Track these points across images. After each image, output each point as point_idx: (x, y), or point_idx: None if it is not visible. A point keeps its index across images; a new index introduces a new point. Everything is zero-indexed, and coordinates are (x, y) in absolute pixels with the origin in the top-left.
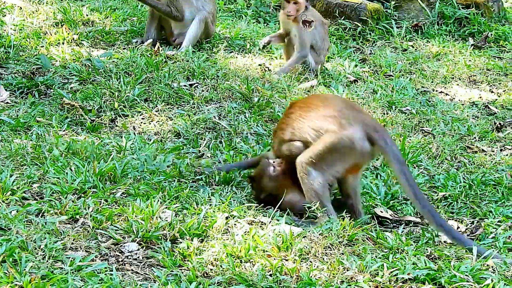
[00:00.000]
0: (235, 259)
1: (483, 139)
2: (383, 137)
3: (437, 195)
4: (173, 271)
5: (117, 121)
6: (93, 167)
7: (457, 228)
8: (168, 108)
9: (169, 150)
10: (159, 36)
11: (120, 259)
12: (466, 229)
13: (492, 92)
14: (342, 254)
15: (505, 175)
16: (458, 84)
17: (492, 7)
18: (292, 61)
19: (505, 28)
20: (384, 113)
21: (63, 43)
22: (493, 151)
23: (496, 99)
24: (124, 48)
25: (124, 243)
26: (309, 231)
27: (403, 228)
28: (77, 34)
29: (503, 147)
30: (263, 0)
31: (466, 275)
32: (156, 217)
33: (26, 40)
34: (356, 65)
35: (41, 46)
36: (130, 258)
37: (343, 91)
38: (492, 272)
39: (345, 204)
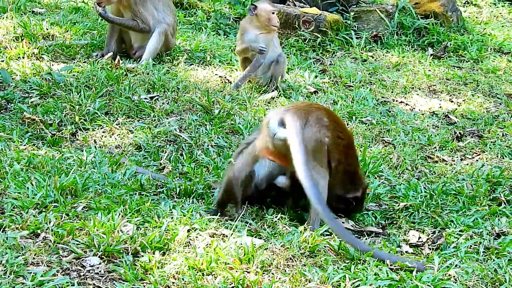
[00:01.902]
0: (197, 272)
1: (444, 148)
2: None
3: (398, 205)
4: (135, 285)
5: (78, 135)
6: (54, 181)
7: (419, 238)
8: (129, 121)
9: (130, 164)
10: (119, 49)
11: (81, 274)
12: (428, 239)
13: (452, 101)
14: (304, 265)
15: (465, 185)
16: (418, 94)
17: (451, 17)
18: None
19: (464, 37)
20: (344, 124)
21: (23, 57)
22: (454, 161)
23: (456, 109)
24: (84, 62)
25: (86, 257)
26: (270, 243)
27: (365, 238)
28: (37, 48)
29: (463, 157)
30: (223, 12)
31: (428, 286)
32: (118, 230)
33: None
34: (316, 76)
35: (1, 61)
36: (92, 272)
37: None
38: (454, 282)
39: None
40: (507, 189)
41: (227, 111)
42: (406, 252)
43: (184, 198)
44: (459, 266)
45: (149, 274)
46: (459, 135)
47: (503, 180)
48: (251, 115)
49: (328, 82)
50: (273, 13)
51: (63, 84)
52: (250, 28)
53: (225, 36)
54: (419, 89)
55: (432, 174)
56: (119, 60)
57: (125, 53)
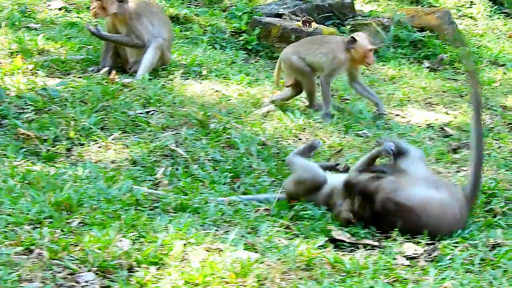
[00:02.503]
0: (193, 287)
1: (440, 161)
2: None
3: None
4: None
5: (73, 150)
6: (49, 197)
7: (415, 251)
8: (125, 136)
9: (125, 178)
10: (115, 64)
11: None
12: (424, 251)
13: (447, 114)
14: (300, 279)
15: None
16: (414, 107)
17: (447, 29)
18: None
19: (460, 50)
20: (341, 137)
21: (18, 73)
22: (449, 173)
23: (452, 121)
24: (80, 77)
25: (80, 273)
26: (266, 257)
27: (361, 251)
28: (32, 64)
29: (459, 169)
30: (219, 26)
31: None
32: (113, 246)
33: None
34: None
35: None
36: None
37: (300, 115)
38: None
39: None
40: (502, 200)
41: (223, 125)
42: (402, 264)
43: (180, 212)
44: (455, 278)
45: None
46: (455, 147)
47: (499, 192)
48: (248, 129)
49: None
50: (370, 50)
51: (58, 99)
52: (344, 61)
53: (222, 50)
54: (415, 102)
55: None
56: (114, 75)
57: (120, 67)
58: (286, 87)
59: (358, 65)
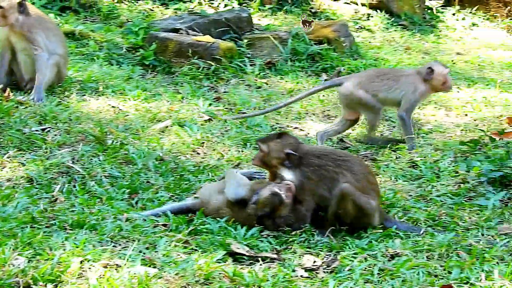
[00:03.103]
0: None
1: None
2: None
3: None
4: None
5: None
6: None
7: (314, 262)
8: (20, 154)
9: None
10: (10, 82)
11: None
12: (323, 262)
13: None
14: None
15: None
16: (312, 119)
17: (344, 42)
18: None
19: (357, 62)
20: (239, 151)
21: None
22: None
23: (350, 133)
24: None
25: None
26: (164, 272)
27: (260, 264)
28: None
29: None
30: (115, 42)
31: None
32: (9, 264)
33: None
34: (210, 104)
35: None
36: None
37: (197, 130)
38: None
39: None
40: (400, 210)
41: (120, 141)
42: (301, 276)
43: (77, 229)
44: None
45: None
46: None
47: (397, 202)
48: (145, 145)
49: (222, 109)
50: (447, 74)
51: None
52: (425, 92)
53: (118, 66)
54: (313, 114)
55: None
56: (9, 93)
57: (15, 85)
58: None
59: (433, 93)
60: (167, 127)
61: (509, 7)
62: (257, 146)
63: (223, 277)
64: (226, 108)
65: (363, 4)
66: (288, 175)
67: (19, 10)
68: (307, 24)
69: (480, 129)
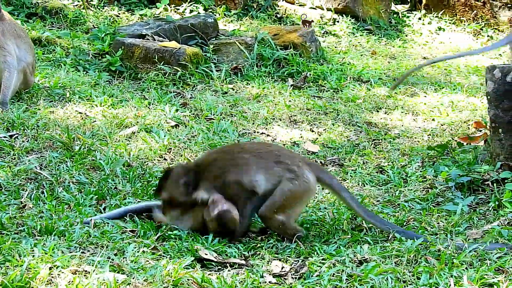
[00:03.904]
0: None
1: None
2: (328, 175)
3: (261, 236)
4: None
5: None
6: None
7: (282, 268)
8: None
9: None
10: None
11: None
12: (291, 268)
13: (312, 131)
14: None
15: (327, 213)
16: (279, 125)
17: (310, 47)
18: None
19: (324, 67)
20: None
21: None
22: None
23: (317, 138)
24: None
25: None
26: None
27: (228, 270)
28: None
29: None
30: (81, 48)
31: None
32: None
33: None
34: (177, 110)
35: None
36: None
37: (164, 136)
38: None
39: None
40: None
41: (88, 147)
42: (270, 282)
43: (46, 236)
44: None
45: None
46: (320, 164)
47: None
48: (112, 151)
49: (189, 115)
50: None
51: None
52: None
53: (85, 72)
54: (280, 120)
55: None
56: None
57: None
58: None
59: None
60: (134, 133)
61: (475, 11)
62: (158, 199)
63: (192, 283)
64: (192, 114)
65: (328, 9)
66: (204, 194)
67: None
68: (307, 24)
69: (448, 134)
